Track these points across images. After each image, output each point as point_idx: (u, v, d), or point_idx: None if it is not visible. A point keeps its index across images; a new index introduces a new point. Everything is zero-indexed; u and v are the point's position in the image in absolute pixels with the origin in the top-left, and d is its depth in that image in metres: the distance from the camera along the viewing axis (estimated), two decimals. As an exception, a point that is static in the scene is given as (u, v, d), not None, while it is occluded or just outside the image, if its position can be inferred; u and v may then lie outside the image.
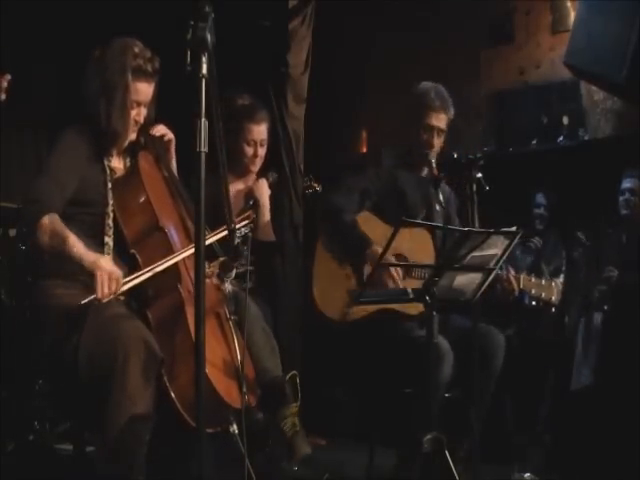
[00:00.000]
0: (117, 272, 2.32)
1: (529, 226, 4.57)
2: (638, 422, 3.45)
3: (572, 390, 4.06)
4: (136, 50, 2.53)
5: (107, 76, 2.52)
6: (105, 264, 2.31)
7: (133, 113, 2.57)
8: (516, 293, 3.02)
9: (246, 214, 2.84)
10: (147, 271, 2.41)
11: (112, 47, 2.56)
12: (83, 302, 2.28)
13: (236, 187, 3.56)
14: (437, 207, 3.27)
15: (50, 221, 2.36)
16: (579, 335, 4.16)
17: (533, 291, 3.01)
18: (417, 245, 3.05)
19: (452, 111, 3.23)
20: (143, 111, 2.59)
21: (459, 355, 2.94)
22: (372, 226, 3.17)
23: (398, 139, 3.41)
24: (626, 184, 4.33)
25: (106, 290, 2.27)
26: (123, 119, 2.55)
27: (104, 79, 2.53)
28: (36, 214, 2.36)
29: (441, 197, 3.08)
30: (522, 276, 3.03)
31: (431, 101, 3.18)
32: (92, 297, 2.27)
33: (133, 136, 2.63)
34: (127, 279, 2.36)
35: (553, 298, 3.00)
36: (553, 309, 4.07)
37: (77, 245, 2.34)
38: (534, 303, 4.13)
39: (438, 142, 3.21)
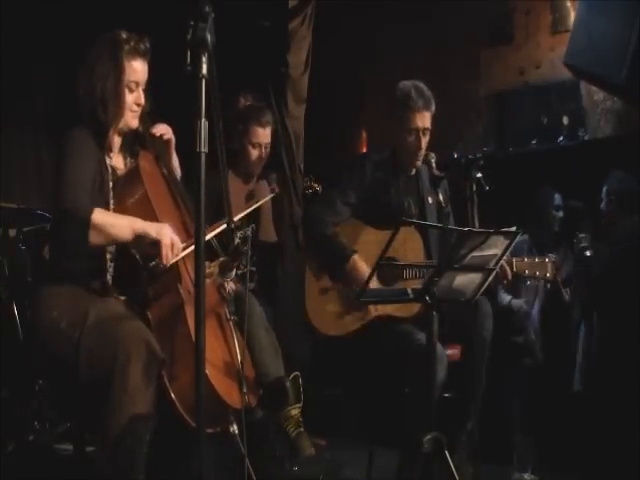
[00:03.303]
0: (177, 238, 2.42)
1: (548, 229, 4.51)
2: (638, 422, 3.45)
3: (574, 391, 4.06)
4: (124, 35, 2.56)
5: (100, 63, 2.53)
6: (168, 231, 2.41)
7: (133, 96, 2.56)
8: (509, 277, 3.02)
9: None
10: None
11: (100, 39, 2.58)
12: (151, 265, 2.40)
13: (238, 188, 3.56)
14: (429, 206, 3.26)
15: (100, 216, 2.38)
16: (580, 337, 4.17)
17: (527, 271, 3.03)
18: (407, 247, 3.04)
19: (434, 106, 3.19)
20: (142, 94, 2.58)
21: (450, 334, 2.95)
22: (361, 233, 3.16)
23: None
24: (603, 187, 4.29)
25: (170, 253, 2.38)
26: (118, 99, 2.53)
27: (97, 67, 2.53)
28: (83, 219, 2.35)
29: (441, 196, 3.08)
30: (514, 259, 3.04)
31: (413, 103, 3.14)
32: (156, 261, 2.38)
33: (135, 123, 2.61)
34: (183, 244, 2.45)
35: (548, 274, 3.02)
36: (549, 285, 4.13)
37: (135, 221, 2.42)
38: (529, 283, 4.18)
39: (425, 141, 3.18)
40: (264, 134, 3.60)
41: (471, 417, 3.00)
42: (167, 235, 2.39)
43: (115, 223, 2.40)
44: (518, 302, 4.49)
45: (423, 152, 3.18)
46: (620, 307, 3.81)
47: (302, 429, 2.79)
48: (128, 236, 2.40)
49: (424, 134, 3.17)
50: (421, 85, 3.20)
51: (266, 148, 3.62)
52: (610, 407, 3.67)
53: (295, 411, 2.80)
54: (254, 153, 3.59)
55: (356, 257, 3.07)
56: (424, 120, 3.16)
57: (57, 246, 2.59)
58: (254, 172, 3.66)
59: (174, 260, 2.41)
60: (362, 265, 3.05)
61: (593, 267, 4.14)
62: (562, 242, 4.48)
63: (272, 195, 3.21)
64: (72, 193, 2.41)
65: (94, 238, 2.36)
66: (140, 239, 2.41)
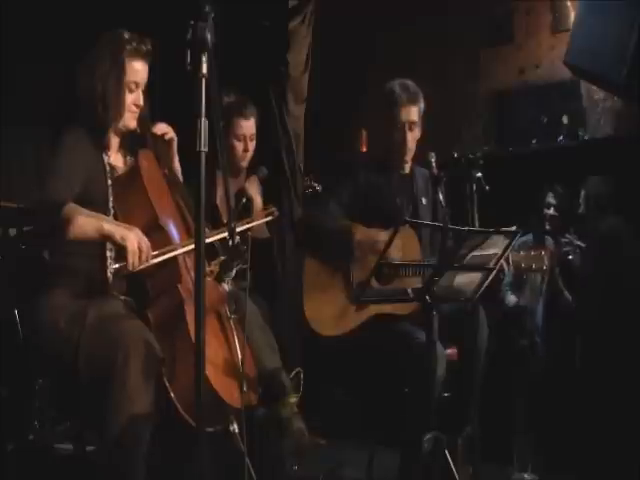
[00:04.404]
0: (147, 242, 2.35)
1: (539, 227, 4.51)
2: (637, 422, 3.45)
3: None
4: (126, 36, 2.56)
5: (101, 62, 2.53)
6: (137, 234, 2.34)
7: (133, 97, 2.57)
8: (506, 271, 3.01)
9: (269, 211, 2.95)
10: (174, 247, 2.42)
11: (102, 38, 2.58)
12: (114, 267, 2.33)
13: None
14: (423, 207, 3.24)
15: (72, 211, 2.35)
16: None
17: (523, 264, 3.02)
18: (403, 245, 3.03)
19: (422, 102, 3.16)
20: (141, 95, 2.58)
21: (446, 337, 2.94)
22: (355, 233, 3.14)
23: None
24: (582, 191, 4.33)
25: (137, 260, 2.31)
26: (119, 99, 2.53)
27: (98, 66, 2.53)
28: (56, 213, 2.34)
29: (441, 196, 3.07)
30: (509, 253, 3.03)
31: (397, 97, 3.12)
32: (123, 264, 2.31)
33: (133, 124, 2.61)
34: (155, 252, 2.38)
35: (544, 266, 3.02)
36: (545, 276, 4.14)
37: (104, 222, 2.37)
38: (525, 277, 4.19)
39: (412, 136, 3.16)
40: (247, 125, 3.59)
41: (470, 419, 3.00)
42: (133, 240, 2.31)
43: (83, 221, 2.35)
44: (512, 298, 4.52)
45: (411, 147, 3.17)
46: (606, 305, 3.82)
47: (296, 411, 2.77)
48: (94, 235, 2.35)
49: (410, 129, 3.14)
50: (407, 82, 3.19)
51: (251, 140, 3.62)
52: (605, 406, 3.68)
53: (292, 399, 2.79)
54: (240, 146, 3.58)
55: (356, 225, 3.04)
56: (409, 114, 3.13)
57: (56, 245, 2.59)
58: (241, 166, 3.65)
59: (142, 267, 2.33)
60: (362, 229, 3.02)
61: (579, 267, 4.17)
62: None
63: (269, 218, 3.14)
64: (52, 186, 2.41)
65: (67, 233, 2.34)
66: (108, 241, 2.36)
